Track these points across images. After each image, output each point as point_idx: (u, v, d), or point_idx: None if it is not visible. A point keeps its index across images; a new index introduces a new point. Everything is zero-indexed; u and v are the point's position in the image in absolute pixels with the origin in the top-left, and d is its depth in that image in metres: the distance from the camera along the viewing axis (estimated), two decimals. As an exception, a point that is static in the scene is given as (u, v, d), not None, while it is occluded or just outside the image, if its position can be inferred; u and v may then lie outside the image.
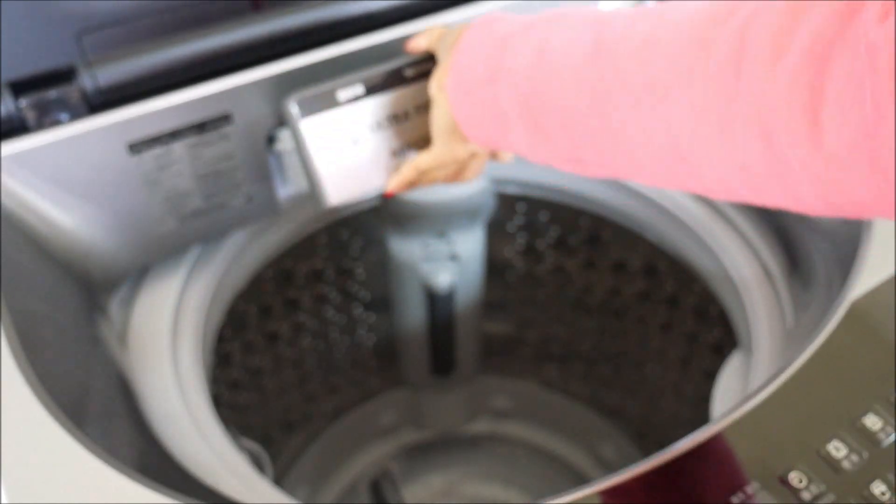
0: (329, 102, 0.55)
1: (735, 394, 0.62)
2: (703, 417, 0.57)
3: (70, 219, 0.56)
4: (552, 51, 0.42)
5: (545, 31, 0.44)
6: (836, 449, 0.43)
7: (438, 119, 0.53)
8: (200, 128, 0.57)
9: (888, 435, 0.44)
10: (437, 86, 0.52)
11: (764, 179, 0.34)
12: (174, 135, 0.56)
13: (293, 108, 0.55)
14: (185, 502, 0.39)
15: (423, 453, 1.16)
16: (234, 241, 0.69)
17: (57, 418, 0.41)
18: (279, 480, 1.00)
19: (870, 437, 0.44)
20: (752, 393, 0.46)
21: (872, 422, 0.44)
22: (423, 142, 0.58)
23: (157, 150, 0.56)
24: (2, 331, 0.44)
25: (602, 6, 0.45)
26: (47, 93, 0.53)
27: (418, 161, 0.56)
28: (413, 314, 0.96)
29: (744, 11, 0.33)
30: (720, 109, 0.33)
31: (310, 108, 0.55)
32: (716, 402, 0.62)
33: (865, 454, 0.43)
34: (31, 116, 0.53)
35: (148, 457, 0.49)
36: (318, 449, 1.07)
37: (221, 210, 0.63)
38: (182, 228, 0.62)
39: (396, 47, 0.63)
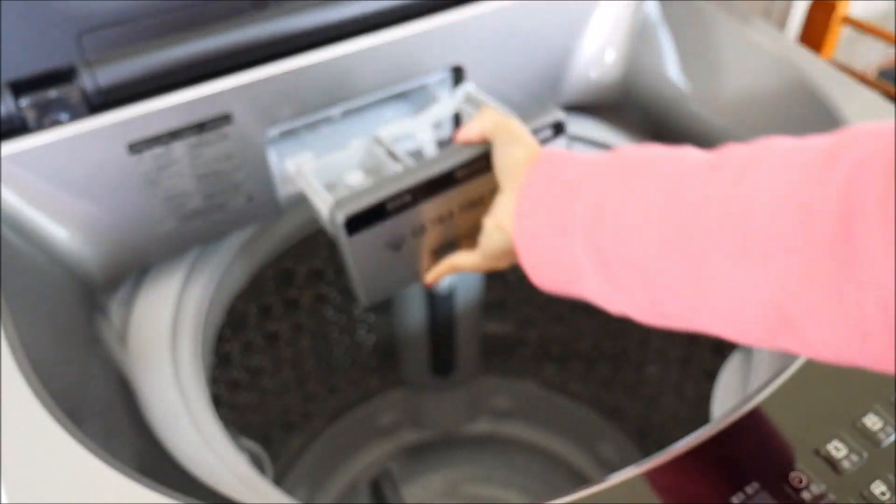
0: (378, 216, 0.53)
1: (735, 394, 0.62)
2: (703, 417, 0.57)
3: (70, 219, 0.56)
4: (627, 209, 0.40)
5: (614, 183, 0.42)
6: (836, 449, 0.43)
7: (490, 247, 0.52)
8: (200, 128, 0.57)
9: (888, 435, 0.44)
10: (495, 224, 0.51)
11: (884, 348, 0.30)
12: (174, 135, 0.56)
13: (341, 221, 0.52)
14: (185, 502, 0.39)
15: (423, 453, 1.16)
16: (233, 241, 0.69)
17: (56, 418, 0.41)
18: (279, 480, 0.99)
19: (870, 437, 0.44)
20: (752, 393, 0.46)
21: (872, 422, 0.44)
22: (464, 237, 0.57)
23: (156, 150, 0.56)
24: (2, 331, 0.44)
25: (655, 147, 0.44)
26: (47, 93, 0.53)
27: (458, 262, 0.56)
28: (413, 314, 0.96)
29: (842, 166, 0.31)
30: (830, 275, 0.31)
31: (358, 224, 0.53)
32: (716, 402, 0.62)
33: (865, 454, 0.43)
34: (31, 116, 0.53)
35: (147, 457, 0.49)
36: (317, 449, 1.07)
37: (221, 210, 0.63)
38: (182, 229, 0.62)
39: (396, 48, 0.63)
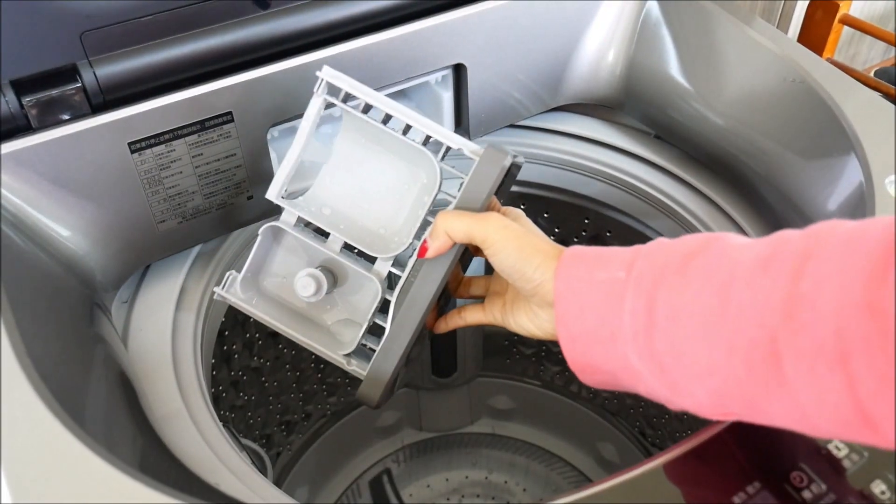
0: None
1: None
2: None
3: (71, 218, 0.56)
4: (679, 315, 0.39)
5: (659, 287, 0.40)
6: (837, 448, 0.43)
7: (520, 331, 0.51)
8: (201, 126, 0.57)
9: (889, 434, 0.44)
10: (527, 321, 0.50)
11: None
12: (175, 133, 0.57)
13: (373, 405, 0.54)
14: (186, 502, 0.39)
15: (424, 453, 1.16)
16: (234, 239, 0.69)
17: (58, 417, 0.41)
18: (279, 480, 0.99)
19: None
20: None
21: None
22: (455, 286, 0.57)
23: (158, 149, 0.56)
24: (4, 329, 0.44)
25: (689, 239, 0.42)
26: (49, 92, 0.53)
27: (471, 318, 0.56)
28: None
29: None
30: None
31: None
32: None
33: (866, 453, 0.43)
34: (33, 116, 0.53)
35: (149, 455, 0.49)
36: (318, 449, 1.07)
37: (222, 209, 0.63)
38: (183, 227, 0.62)
39: (397, 46, 0.63)
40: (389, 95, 0.67)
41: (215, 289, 0.57)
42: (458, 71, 0.69)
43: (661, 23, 0.73)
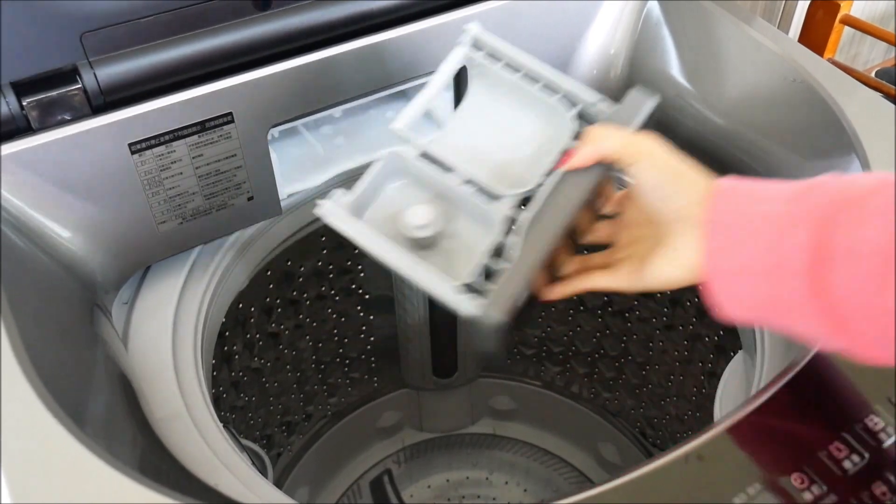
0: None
1: (738, 394, 0.62)
2: (706, 418, 0.57)
3: (71, 219, 0.56)
4: (860, 250, 0.37)
5: (835, 220, 0.38)
6: (838, 450, 0.43)
7: (656, 280, 0.47)
8: (202, 127, 0.57)
9: (889, 436, 0.44)
10: (664, 260, 0.45)
11: None
12: (175, 134, 0.57)
13: (495, 323, 0.48)
14: (186, 502, 0.39)
15: (425, 453, 1.16)
16: (234, 241, 0.69)
17: (59, 418, 0.41)
18: (280, 481, 0.99)
19: (871, 438, 0.44)
20: (756, 394, 0.46)
21: (874, 422, 0.44)
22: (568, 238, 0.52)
23: (158, 150, 0.56)
24: (4, 331, 0.44)
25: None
26: (50, 93, 0.53)
27: (598, 282, 0.51)
28: (415, 315, 0.96)
29: None
30: None
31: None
32: (719, 402, 0.62)
33: (867, 455, 0.43)
34: (33, 117, 0.53)
35: (149, 457, 0.49)
36: (318, 450, 1.07)
37: (223, 209, 0.63)
38: (183, 228, 0.62)
39: (398, 46, 0.63)
40: (389, 96, 0.67)
41: (318, 201, 0.51)
42: (459, 71, 0.69)
43: (662, 23, 0.73)
